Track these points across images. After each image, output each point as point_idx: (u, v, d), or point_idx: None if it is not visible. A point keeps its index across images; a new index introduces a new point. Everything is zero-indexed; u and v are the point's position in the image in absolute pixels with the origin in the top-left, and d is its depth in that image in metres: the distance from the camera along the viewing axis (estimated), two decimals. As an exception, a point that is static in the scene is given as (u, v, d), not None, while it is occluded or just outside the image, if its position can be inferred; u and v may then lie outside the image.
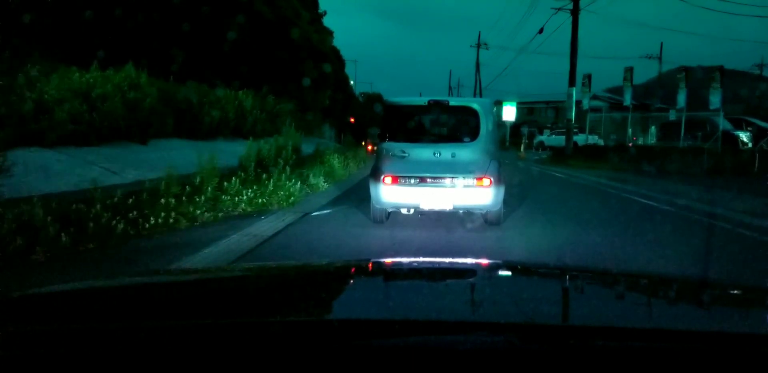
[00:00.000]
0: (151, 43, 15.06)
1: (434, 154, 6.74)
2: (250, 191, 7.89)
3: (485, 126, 6.86)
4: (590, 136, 41.80)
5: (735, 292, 1.78)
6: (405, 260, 2.96)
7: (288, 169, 8.95)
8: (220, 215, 7.37)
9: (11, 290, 1.43)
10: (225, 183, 7.72)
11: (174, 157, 9.75)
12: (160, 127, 11.08)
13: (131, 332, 1.02)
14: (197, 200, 6.97)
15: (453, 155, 6.71)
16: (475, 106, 6.98)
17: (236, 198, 7.62)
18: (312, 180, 11.06)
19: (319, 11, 32.31)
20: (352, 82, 53.69)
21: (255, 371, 0.92)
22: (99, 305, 1.35)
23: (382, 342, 0.98)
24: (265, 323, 1.10)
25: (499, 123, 54.93)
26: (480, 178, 6.52)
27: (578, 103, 24.16)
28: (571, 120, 23.36)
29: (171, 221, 6.47)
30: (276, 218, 7.50)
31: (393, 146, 6.89)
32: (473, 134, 6.88)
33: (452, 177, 6.52)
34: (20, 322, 1.14)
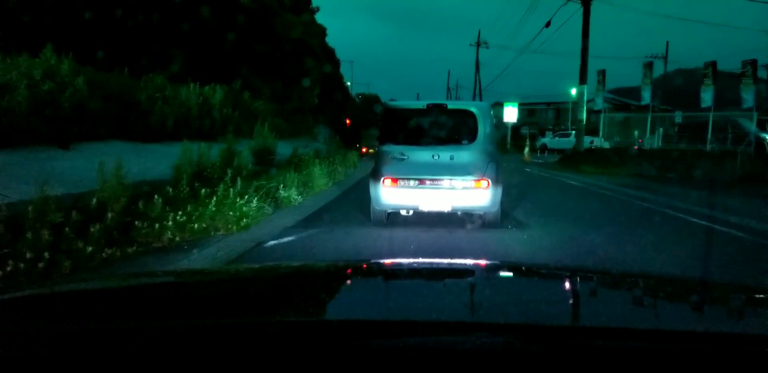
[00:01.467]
0: (108, 32, 12.98)
1: (433, 156, 6.70)
2: (180, 212, 5.76)
3: (483, 128, 6.85)
4: (596, 139, 39.87)
5: (735, 292, 1.74)
6: (405, 260, 2.85)
7: (239, 180, 6.79)
8: (131, 249, 5.23)
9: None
10: (142, 203, 5.59)
11: (103, 165, 7.60)
12: (94, 128, 8.93)
13: (130, 333, 1.01)
14: (91, 230, 4.84)
15: (451, 157, 6.69)
16: (473, 109, 7.00)
17: (157, 224, 5.48)
18: (282, 193, 8.97)
19: (312, 6, 30.30)
20: (348, 83, 51.97)
21: (254, 372, 0.92)
22: (97, 306, 1.32)
23: (381, 343, 0.97)
24: (265, 323, 1.09)
25: (500, 125, 53.06)
26: (478, 180, 6.53)
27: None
28: (582, 121, 21.24)
29: (41, 264, 4.34)
30: (212, 252, 5.36)
31: (393, 149, 6.84)
32: (471, 137, 6.86)
33: (450, 179, 6.53)
34: (18, 322, 1.12)
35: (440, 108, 6.94)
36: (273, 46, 18.57)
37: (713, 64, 18.59)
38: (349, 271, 1.90)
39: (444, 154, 6.65)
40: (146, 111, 10.84)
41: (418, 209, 6.61)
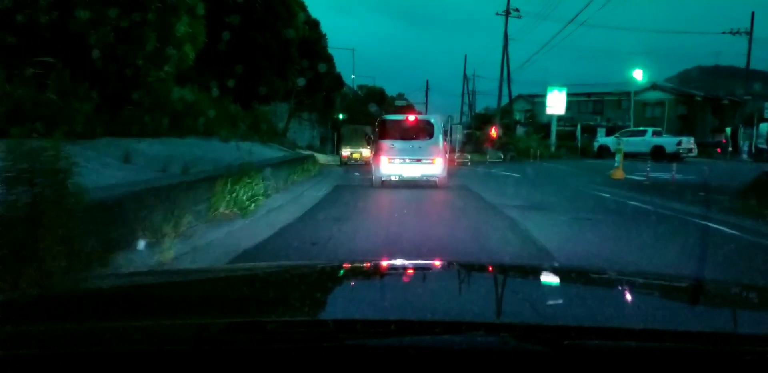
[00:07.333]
0: None
1: (410, 145, 12.78)
2: None
3: (437, 131, 13.14)
4: (684, 138, 28.08)
5: (732, 291, 1.74)
6: (401, 260, 2.91)
7: None
8: None
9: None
10: None
11: None
12: None
13: (126, 332, 1.02)
14: None
15: (420, 147, 12.77)
16: (432, 120, 13.56)
17: None
18: None
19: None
20: (353, 77, 42.36)
21: (249, 371, 0.93)
22: (95, 306, 1.33)
23: (377, 342, 0.98)
24: (261, 323, 1.09)
25: (535, 121, 41.34)
26: (434, 159, 12.69)
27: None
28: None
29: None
30: None
31: (387, 141, 12.83)
32: (430, 135, 13.08)
33: (419, 158, 12.65)
34: (16, 322, 1.12)
35: (414, 119, 13.69)
36: None
37: None
38: (344, 270, 1.91)
39: (416, 144, 12.80)
40: None
41: (402, 176, 12.68)
